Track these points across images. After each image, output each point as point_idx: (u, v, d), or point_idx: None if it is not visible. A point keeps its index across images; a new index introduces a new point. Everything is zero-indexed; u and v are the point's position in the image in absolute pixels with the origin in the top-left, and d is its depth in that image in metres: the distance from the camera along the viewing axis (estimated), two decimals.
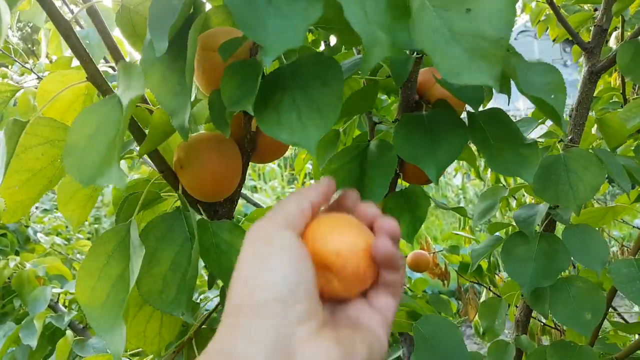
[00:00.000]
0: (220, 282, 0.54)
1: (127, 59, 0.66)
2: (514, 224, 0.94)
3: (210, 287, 0.55)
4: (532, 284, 0.71)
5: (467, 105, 0.53)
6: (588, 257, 0.72)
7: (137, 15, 0.51)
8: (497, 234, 0.92)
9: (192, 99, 0.53)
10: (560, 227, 0.87)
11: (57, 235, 2.37)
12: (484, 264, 1.51)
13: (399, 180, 0.63)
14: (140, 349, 0.66)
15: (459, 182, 5.12)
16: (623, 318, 1.09)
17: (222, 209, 0.54)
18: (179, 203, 0.50)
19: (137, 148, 0.49)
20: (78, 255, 2.27)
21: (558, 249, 0.73)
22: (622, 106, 1.18)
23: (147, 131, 0.49)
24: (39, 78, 1.42)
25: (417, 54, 0.52)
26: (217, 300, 0.60)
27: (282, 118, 0.36)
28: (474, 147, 0.76)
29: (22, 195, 0.51)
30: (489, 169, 2.28)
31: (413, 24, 0.30)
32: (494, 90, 0.53)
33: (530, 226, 0.75)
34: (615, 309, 1.04)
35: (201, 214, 0.53)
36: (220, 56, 0.40)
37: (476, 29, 0.30)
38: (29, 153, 0.49)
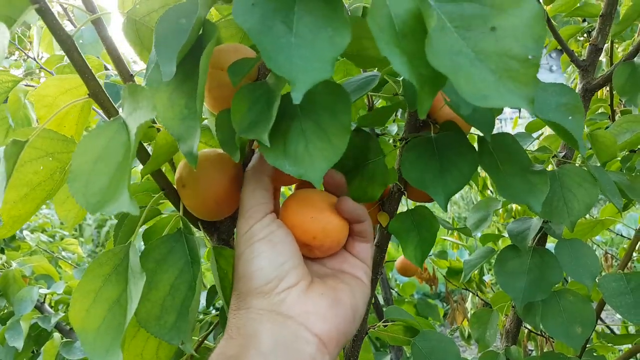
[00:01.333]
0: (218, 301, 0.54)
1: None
2: (506, 235, 0.95)
3: (208, 307, 0.55)
4: (526, 298, 0.72)
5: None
6: (579, 271, 0.74)
7: (144, 27, 0.50)
8: (488, 246, 0.93)
9: None
10: (550, 240, 0.89)
11: (42, 232, 2.34)
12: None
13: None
14: None
15: None
16: (610, 329, 1.12)
17: (222, 225, 0.54)
18: (177, 222, 0.50)
19: (140, 166, 0.48)
20: (64, 253, 2.24)
21: (550, 263, 0.74)
22: (609, 117, 1.20)
23: (149, 149, 0.49)
24: (28, 74, 1.40)
25: None
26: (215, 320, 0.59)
27: (288, 148, 0.36)
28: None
29: (20, 210, 0.50)
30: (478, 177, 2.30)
31: (430, 46, 0.29)
32: None
33: (524, 241, 0.77)
34: (602, 320, 1.06)
35: (199, 229, 0.53)
36: (230, 79, 0.39)
37: (503, 48, 0.29)
38: (28, 167, 0.49)
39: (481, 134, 0.51)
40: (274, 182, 0.45)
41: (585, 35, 1.39)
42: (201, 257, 0.43)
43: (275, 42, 0.29)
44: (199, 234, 0.53)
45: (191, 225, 0.46)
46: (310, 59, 0.29)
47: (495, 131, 0.52)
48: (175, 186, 0.50)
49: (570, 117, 0.46)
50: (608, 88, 1.27)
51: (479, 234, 1.07)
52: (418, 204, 0.62)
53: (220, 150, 0.51)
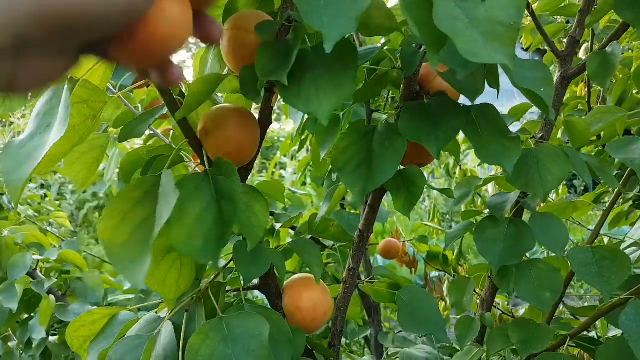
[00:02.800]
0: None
1: None
2: (485, 212, 1.03)
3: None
4: (501, 262, 0.80)
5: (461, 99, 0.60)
6: (550, 242, 0.81)
7: None
8: (469, 220, 1.00)
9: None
10: (527, 215, 0.97)
11: (28, 205, 2.35)
12: (449, 254, 1.61)
13: None
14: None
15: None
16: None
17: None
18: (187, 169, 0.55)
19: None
20: (49, 228, 2.26)
21: (524, 232, 0.82)
22: (586, 114, 1.29)
23: (176, 98, 0.55)
24: None
25: (422, 48, 0.59)
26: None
27: (302, 91, 0.43)
28: (458, 138, 0.84)
29: (55, 150, 0.55)
30: (457, 168, 2.40)
31: (436, 13, 0.35)
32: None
33: (502, 211, 0.84)
34: (564, 303, 1.16)
35: None
36: (258, 35, 0.46)
37: (491, 16, 0.36)
38: None
39: (467, 104, 0.59)
40: None
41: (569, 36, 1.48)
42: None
43: (310, 4, 0.35)
44: None
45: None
46: (336, 16, 0.35)
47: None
48: (198, 136, 0.55)
49: (542, 89, 0.53)
50: (586, 89, 1.36)
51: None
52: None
53: (239, 105, 0.57)
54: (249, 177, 0.63)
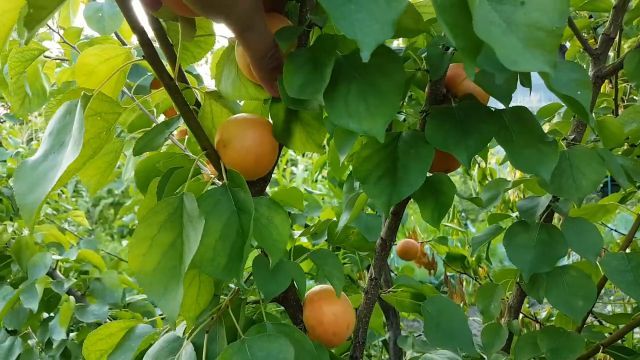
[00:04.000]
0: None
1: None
2: (513, 215, 0.99)
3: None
4: (532, 270, 0.76)
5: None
6: (584, 248, 0.77)
7: None
8: (496, 224, 0.96)
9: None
10: (556, 219, 0.93)
11: (46, 204, 2.37)
12: (466, 253, 1.57)
13: None
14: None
15: None
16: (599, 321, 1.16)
17: (254, 187, 0.58)
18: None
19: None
20: (66, 226, 2.27)
21: (557, 238, 0.78)
22: (612, 111, 1.24)
23: (192, 107, 0.52)
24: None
25: (450, 49, 0.55)
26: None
27: (350, 108, 0.40)
28: None
29: (70, 165, 0.53)
30: (476, 166, 2.34)
31: (473, 18, 0.32)
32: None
33: (533, 216, 0.80)
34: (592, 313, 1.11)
35: None
36: (279, 43, 0.43)
37: (530, 19, 0.33)
38: None
39: (499, 108, 0.55)
40: None
41: (591, 31, 1.43)
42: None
43: (338, 9, 0.32)
44: None
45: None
46: (370, 22, 0.32)
47: None
48: (216, 147, 0.53)
49: (579, 92, 0.50)
50: (612, 84, 1.30)
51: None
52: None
53: (257, 115, 0.55)
54: (271, 175, 0.61)
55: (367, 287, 0.74)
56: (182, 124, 0.52)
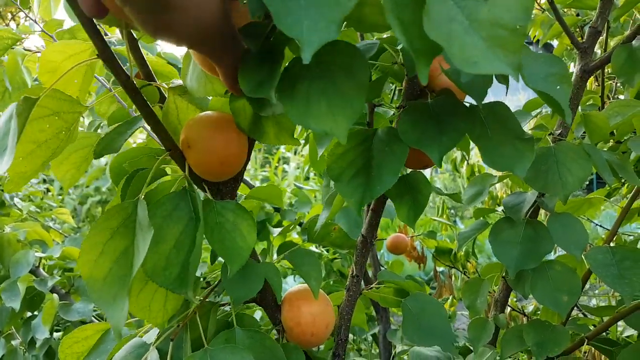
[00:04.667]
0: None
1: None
2: (499, 209, 0.97)
3: (212, 262, 0.57)
4: (518, 266, 0.75)
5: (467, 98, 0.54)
6: (569, 243, 0.76)
7: None
8: (482, 219, 0.95)
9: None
10: (542, 214, 0.91)
11: (29, 201, 2.33)
12: (454, 247, 1.56)
13: None
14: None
15: (427, 174, 5.27)
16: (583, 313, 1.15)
17: (225, 187, 0.55)
18: (182, 182, 0.51)
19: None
20: (51, 224, 2.24)
21: (542, 234, 0.77)
22: (599, 109, 1.22)
23: (154, 108, 0.50)
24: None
25: None
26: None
27: (311, 108, 0.37)
28: None
29: (26, 167, 0.51)
30: (464, 162, 2.32)
31: (427, 15, 0.29)
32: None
33: (519, 212, 0.79)
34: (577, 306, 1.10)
35: (205, 192, 0.54)
36: (245, 41, 0.40)
37: (494, 17, 0.30)
38: (35, 125, 0.49)
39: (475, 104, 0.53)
40: None
41: (578, 29, 1.41)
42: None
43: (284, 4, 0.29)
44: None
45: (194, 185, 0.46)
46: (317, 20, 0.29)
47: None
48: (180, 147, 0.51)
49: (558, 87, 0.47)
50: (598, 82, 1.28)
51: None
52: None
53: (224, 113, 0.52)
54: (243, 175, 0.58)
55: (348, 284, 0.72)
56: (144, 123, 0.50)
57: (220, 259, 0.73)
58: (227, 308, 0.64)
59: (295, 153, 4.45)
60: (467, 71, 0.29)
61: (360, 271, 0.73)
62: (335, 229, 0.73)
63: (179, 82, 0.56)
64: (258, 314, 1.04)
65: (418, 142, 0.50)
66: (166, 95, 0.56)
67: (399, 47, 0.58)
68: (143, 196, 0.44)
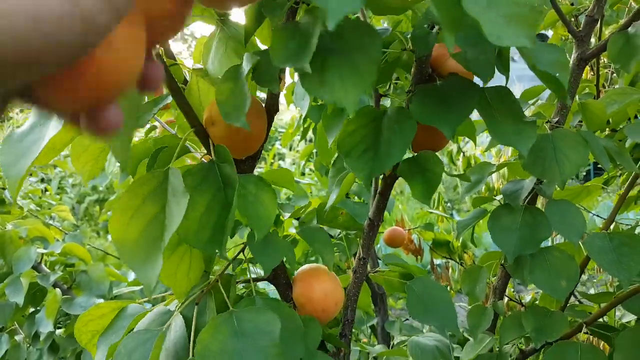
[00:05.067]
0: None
1: None
2: (497, 198, 1.00)
3: (231, 236, 0.60)
4: (516, 252, 0.78)
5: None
6: (567, 229, 0.79)
7: None
8: (480, 208, 0.98)
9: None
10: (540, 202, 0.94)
11: (28, 199, 2.33)
12: (455, 242, 1.59)
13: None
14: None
15: None
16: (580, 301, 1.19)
17: (244, 165, 0.58)
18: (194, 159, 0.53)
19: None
20: (51, 221, 2.24)
21: (541, 220, 0.80)
22: (594, 97, 1.27)
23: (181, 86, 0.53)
24: None
25: (435, 28, 0.56)
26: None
27: (325, 79, 0.40)
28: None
29: (55, 140, 0.53)
30: (460, 155, 2.37)
31: None
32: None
33: (517, 199, 0.82)
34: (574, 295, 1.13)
35: None
36: (268, 16, 0.43)
37: None
38: None
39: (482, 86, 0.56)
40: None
41: (573, 19, 1.46)
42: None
43: None
44: None
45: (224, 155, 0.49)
46: None
47: None
48: (204, 125, 0.53)
49: (557, 74, 0.51)
50: (593, 72, 1.33)
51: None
52: None
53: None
54: (261, 153, 0.61)
55: (355, 266, 0.75)
56: (169, 101, 0.52)
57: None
58: (242, 286, 0.67)
59: (290, 149, 4.48)
60: (493, 43, 0.32)
61: (367, 253, 0.76)
62: (343, 213, 0.76)
63: (200, 65, 0.59)
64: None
65: (429, 119, 0.53)
66: (188, 78, 0.58)
67: (408, 36, 0.62)
68: (173, 165, 0.46)
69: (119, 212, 0.44)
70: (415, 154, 0.63)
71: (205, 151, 0.56)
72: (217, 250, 0.44)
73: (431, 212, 1.81)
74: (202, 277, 0.56)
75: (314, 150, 1.63)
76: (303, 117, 1.49)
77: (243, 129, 0.52)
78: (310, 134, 1.56)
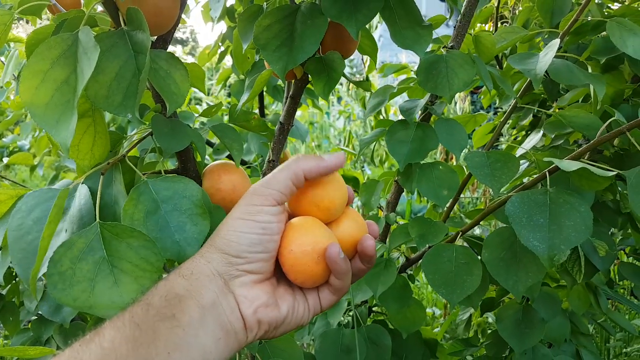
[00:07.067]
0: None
1: None
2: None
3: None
4: (407, 160, 0.87)
5: None
6: (452, 143, 0.89)
7: None
8: (381, 127, 1.05)
9: None
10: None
11: None
12: (361, 178, 1.70)
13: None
14: None
15: (341, 124, 5.47)
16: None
17: (154, 47, 0.58)
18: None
19: None
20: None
21: (430, 134, 0.89)
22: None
23: None
24: None
25: None
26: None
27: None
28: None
29: None
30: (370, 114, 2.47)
31: None
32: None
33: (412, 115, 0.90)
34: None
35: None
36: None
37: None
38: None
39: None
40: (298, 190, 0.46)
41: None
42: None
43: None
44: None
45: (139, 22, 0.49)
46: None
47: None
48: None
49: None
50: (494, 26, 1.44)
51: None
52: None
53: None
54: (172, 37, 0.61)
55: (264, 168, 0.79)
56: None
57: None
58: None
59: (208, 94, 4.36)
60: None
61: (276, 156, 0.80)
62: (255, 118, 0.79)
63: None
64: None
65: (338, 16, 0.57)
66: None
67: None
68: (83, 27, 0.46)
69: (28, 76, 0.44)
70: (324, 54, 0.67)
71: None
72: (129, 115, 0.45)
73: (341, 149, 1.89)
74: (108, 157, 0.57)
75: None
76: (217, 38, 1.46)
77: (154, 3, 0.52)
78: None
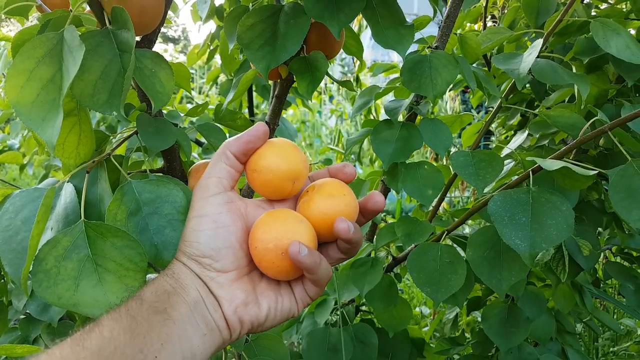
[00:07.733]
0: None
1: None
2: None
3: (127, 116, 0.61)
4: (392, 159, 0.87)
5: None
6: (436, 143, 0.90)
7: None
8: (367, 127, 1.06)
9: None
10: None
11: None
12: None
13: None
14: None
15: (333, 124, 5.49)
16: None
17: (139, 46, 0.59)
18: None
19: None
20: None
21: (414, 134, 0.90)
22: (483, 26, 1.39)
23: None
24: None
25: None
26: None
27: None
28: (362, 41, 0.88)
29: None
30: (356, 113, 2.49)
31: None
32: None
33: (396, 115, 0.91)
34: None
35: None
36: None
37: None
38: None
39: None
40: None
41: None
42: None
43: None
44: None
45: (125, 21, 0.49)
46: None
47: None
48: None
49: None
50: (484, 26, 1.46)
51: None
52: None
53: None
54: (157, 37, 0.62)
55: None
56: None
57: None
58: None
59: (200, 92, 4.37)
60: None
61: None
62: (241, 117, 0.80)
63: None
64: None
65: (320, 16, 0.58)
66: None
67: None
68: (68, 26, 0.46)
69: (14, 74, 0.44)
70: (308, 54, 0.68)
71: None
72: (114, 113, 0.45)
73: (332, 149, 1.90)
74: (94, 156, 0.57)
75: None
76: (206, 38, 1.47)
77: (139, 2, 0.53)
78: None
